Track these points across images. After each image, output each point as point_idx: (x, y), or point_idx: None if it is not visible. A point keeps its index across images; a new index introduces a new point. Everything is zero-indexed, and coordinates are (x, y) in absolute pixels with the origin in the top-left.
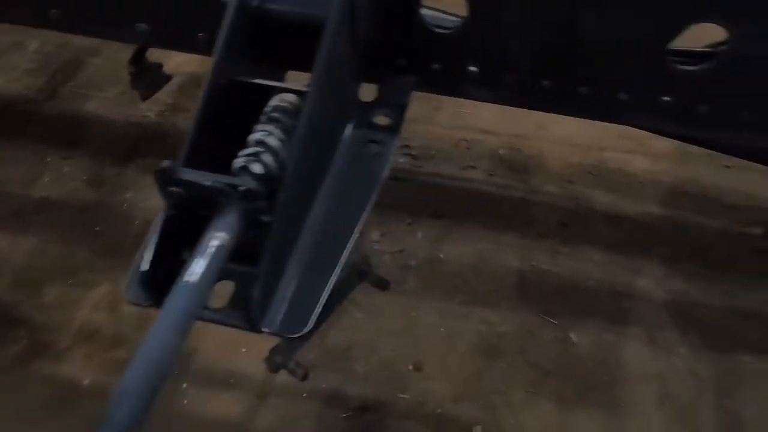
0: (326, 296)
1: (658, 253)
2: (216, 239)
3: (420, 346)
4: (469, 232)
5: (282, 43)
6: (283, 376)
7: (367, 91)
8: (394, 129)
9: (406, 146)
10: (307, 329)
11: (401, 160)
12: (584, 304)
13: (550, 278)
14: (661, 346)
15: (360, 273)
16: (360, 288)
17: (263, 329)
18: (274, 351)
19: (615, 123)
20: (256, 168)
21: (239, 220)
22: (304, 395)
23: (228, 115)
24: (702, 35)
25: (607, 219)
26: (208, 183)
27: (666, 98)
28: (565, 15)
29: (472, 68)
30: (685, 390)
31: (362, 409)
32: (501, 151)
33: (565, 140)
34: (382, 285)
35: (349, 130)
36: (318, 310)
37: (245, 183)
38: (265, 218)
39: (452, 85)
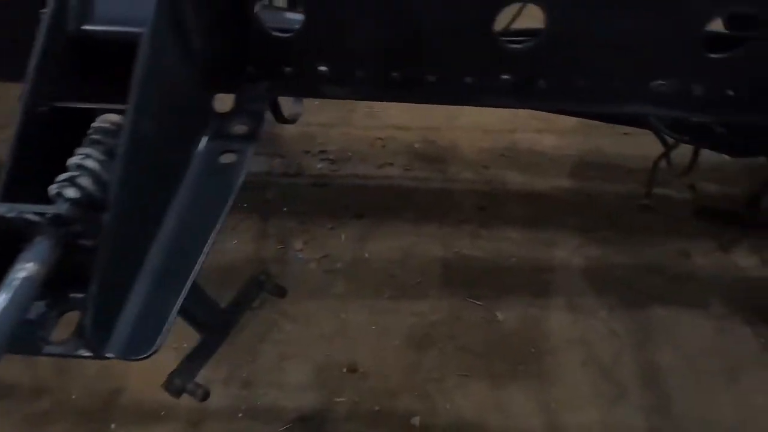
0: (175, 314)
1: (571, 224)
2: (23, 271)
3: (353, 347)
4: (392, 228)
5: (108, 64)
6: (217, 400)
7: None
8: (251, 137)
9: (323, 152)
10: (153, 350)
11: (319, 165)
12: (507, 283)
13: (474, 262)
14: (582, 311)
15: (259, 284)
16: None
17: (107, 354)
18: (173, 374)
19: (466, 105)
20: (71, 192)
21: (52, 248)
22: (240, 415)
23: (51, 142)
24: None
25: (521, 198)
26: (10, 215)
27: (505, 77)
28: (396, 8)
29: (322, 68)
30: (606, 349)
31: (300, 419)
32: (416, 145)
33: (476, 127)
34: (281, 293)
35: (203, 142)
36: (168, 328)
37: (53, 209)
38: (87, 242)
39: (307, 86)
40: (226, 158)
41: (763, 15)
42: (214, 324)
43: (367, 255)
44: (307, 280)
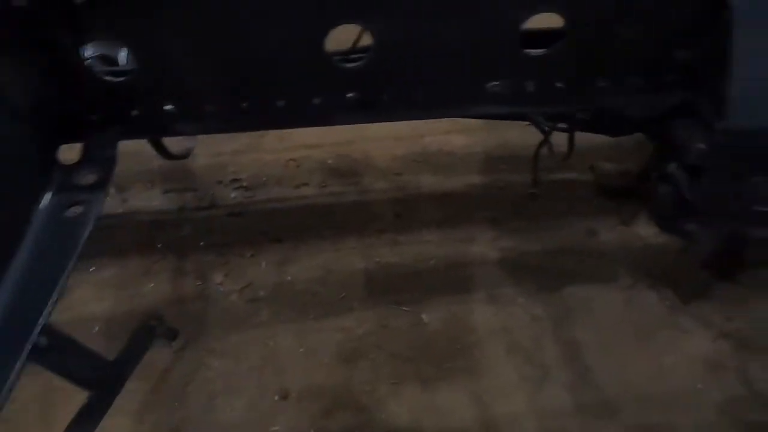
0: (16, 375)
1: (485, 218)
2: None
3: (283, 373)
4: (312, 247)
5: None
6: None
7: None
8: (100, 185)
9: (237, 180)
10: None
11: (233, 194)
12: (430, 284)
13: (395, 269)
14: (502, 301)
15: (149, 330)
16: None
17: None
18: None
19: (320, 126)
20: None
21: None
22: None
23: None
24: None
25: (436, 200)
26: None
27: (350, 95)
28: (222, 40)
29: (169, 107)
30: (528, 334)
31: None
32: (329, 162)
33: (387, 136)
34: (173, 335)
35: (47, 198)
36: (6, 392)
37: None
38: None
39: (158, 126)
40: (73, 211)
41: (569, 15)
42: (102, 379)
43: (289, 278)
44: (230, 313)
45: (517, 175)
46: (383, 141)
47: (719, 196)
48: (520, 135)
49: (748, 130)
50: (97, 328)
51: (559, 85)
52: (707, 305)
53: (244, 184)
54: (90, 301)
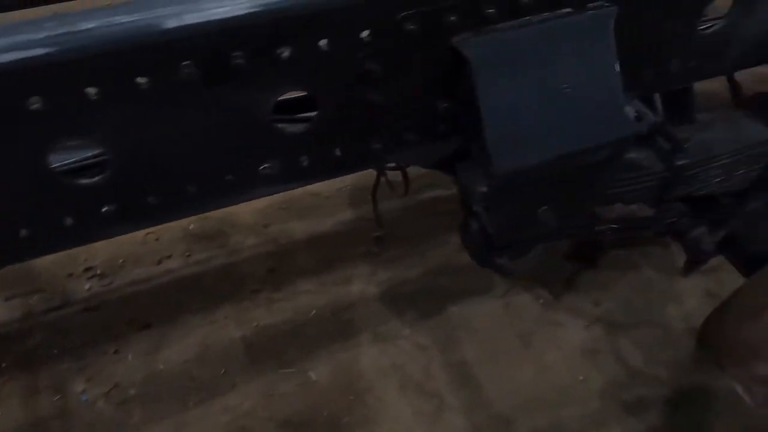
0: None
1: (360, 255)
2: None
3: None
4: (184, 325)
5: None
6: None
7: None
8: None
9: (90, 269)
10: None
11: (87, 286)
12: (313, 338)
13: (276, 329)
14: (387, 337)
15: None
16: None
17: None
18: None
19: (73, 248)
20: None
21: None
22: None
23: None
24: None
25: (309, 245)
26: None
27: (106, 208)
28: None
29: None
30: (417, 366)
31: None
32: (191, 227)
33: None
34: None
35: None
36: None
37: None
38: None
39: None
40: None
41: (318, 91)
42: None
43: (161, 366)
44: (98, 423)
45: (386, 201)
46: None
47: (513, 230)
48: None
49: (516, 170)
50: None
51: (337, 153)
52: (576, 295)
53: (99, 271)
54: None
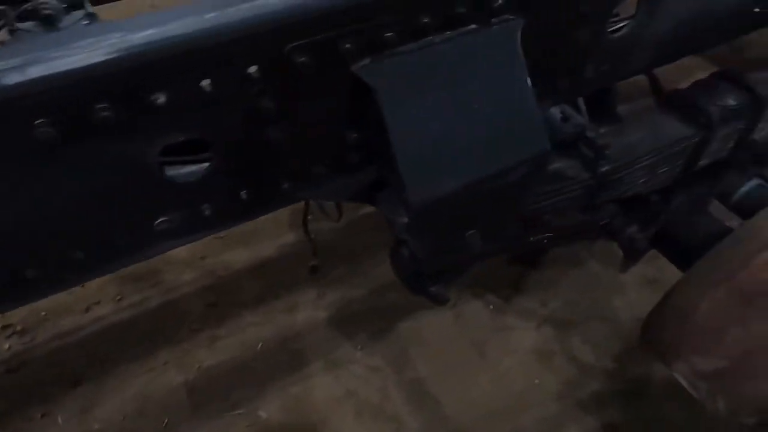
0: None
1: (304, 278)
2: None
3: None
4: (118, 378)
5: None
6: None
7: None
8: None
9: (8, 326)
10: None
11: (6, 345)
12: (262, 373)
13: (220, 369)
14: (340, 362)
15: None
16: None
17: None
18: None
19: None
20: None
21: None
22: None
23: None
24: None
25: (251, 273)
26: None
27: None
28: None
29: None
30: (372, 389)
31: None
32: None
33: None
34: None
35: None
36: None
37: None
38: None
39: None
40: None
41: (203, 137)
42: None
43: (96, 426)
44: None
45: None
46: None
47: (443, 255)
48: None
49: (433, 198)
50: None
51: (242, 196)
52: (524, 297)
53: (18, 328)
54: None
